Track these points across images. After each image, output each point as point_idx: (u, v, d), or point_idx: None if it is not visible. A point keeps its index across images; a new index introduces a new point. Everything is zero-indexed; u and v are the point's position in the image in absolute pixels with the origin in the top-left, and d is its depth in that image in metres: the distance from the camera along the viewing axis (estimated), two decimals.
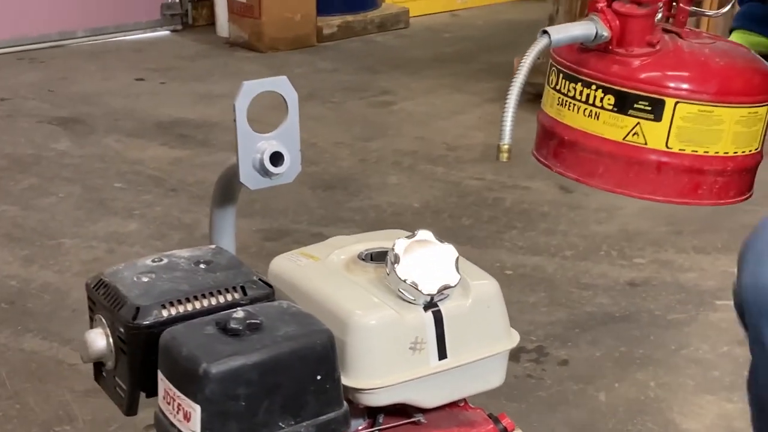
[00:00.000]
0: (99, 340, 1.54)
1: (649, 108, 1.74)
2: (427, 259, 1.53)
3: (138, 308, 1.50)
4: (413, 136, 4.95)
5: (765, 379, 1.80)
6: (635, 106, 1.75)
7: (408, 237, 1.55)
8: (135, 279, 1.56)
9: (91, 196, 4.21)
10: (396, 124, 5.13)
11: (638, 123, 1.76)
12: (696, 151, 1.77)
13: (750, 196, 1.92)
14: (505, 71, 5.76)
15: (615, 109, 1.77)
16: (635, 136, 1.77)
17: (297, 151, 1.53)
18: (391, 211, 4.11)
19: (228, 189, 1.68)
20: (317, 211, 4.08)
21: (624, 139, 1.77)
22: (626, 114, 1.76)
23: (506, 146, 1.71)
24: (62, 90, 5.55)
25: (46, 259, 3.69)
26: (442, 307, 1.55)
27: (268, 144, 1.52)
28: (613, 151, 1.79)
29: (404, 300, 1.54)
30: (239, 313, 1.46)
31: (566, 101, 1.84)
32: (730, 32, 2.20)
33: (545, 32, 1.74)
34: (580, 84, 1.81)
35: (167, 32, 6.67)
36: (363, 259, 1.63)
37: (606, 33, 1.75)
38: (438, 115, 5.24)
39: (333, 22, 6.53)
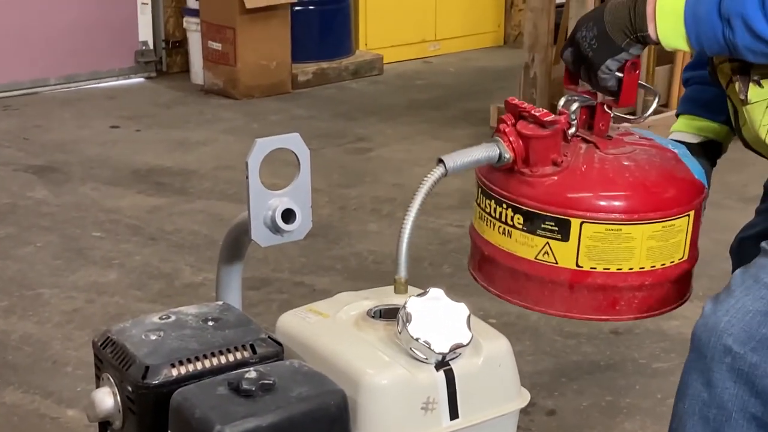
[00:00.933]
0: (106, 399, 1.53)
1: (556, 228, 1.74)
2: (439, 318, 1.53)
3: (147, 367, 1.49)
4: (391, 183, 4.95)
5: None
6: (543, 226, 1.75)
7: (419, 295, 1.54)
8: (143, 337, 1.54)
9: (69, 245, 4.18)
10: (373, 171, 5.13)
11: (547, 243, 1.75)
12: (608, 269, 1.75)
13: (685, 301, 1.89)
14: (479, 118, 5.79)
15: (524, 228, 1.76)
16: (546, 255, 1.76)
17: (308, 208, 1.53)
18: (372, 259, 4.10)
19: (236, 245, 1.67)
20: (298, 260, 4.06)
21: (536, 257, 1.77)
22: (535, 234, 1.75)
23: (403, 279, 1.67)
24: (37, 138, 5.52)
25: (25, 309, 3.64)
26: (454, 366, 1.54)
27: (279, 201, 1.51)
28: (527, 269, 1.78)
29: (416, 359, 1.53)
30: (252, 373, 1.45)
31: (485, 216, 1.84)
32: (677, 117, 2.20)
33: (440, 160, 1.74)
34: (493, 201, 1.81)
35: (141, 79, 6.65)
36: (372, 317, 1.62)
37: (508, 155, 1.75)
38: (415, 161, 5.24)
39: (308, 69, 6.54)
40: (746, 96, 1.82)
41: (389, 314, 1.62)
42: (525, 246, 1.77)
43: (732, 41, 1.71)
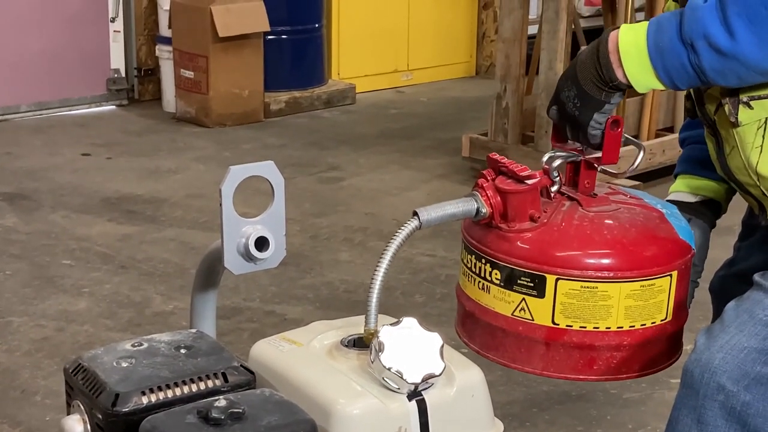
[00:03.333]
0: (76, 427, 1.52)
1: (532, 284, 1.72)
2: (412, 347, 1.52)
3: (117, 395, 1.48)
4: (363, 212, 4.95)
5: None
6: (519, 281, 1.73)
7: (393, 324, 1.53)
8: (114, 364, 1.54)
9: (39, 273, 4.15)
10: (345, 200, 5.13)
11: (523, 299, 1.74)
12: (584, 327, 1.73)
13: (672, 362, 1.86)
14: (452, 148, 5.80)
15: (501, 284, 1.75)
16: (522, 311, 1.74)
17: (282, 236, 1.52)
18: (343, 288, 4.09)
19: (210, 273, 1.66)
20: (269, 289, 4.05)
21: (513, 314, 1.75)
22: (512, 290, 1.74)
23: (372, 330, 1.65)
24: (7, 165, 5.49)
25: None
26: (427, 396, 1.53)
27: (253, 228, 1.51)
28: (504, 326, 1.77)
29: (388, 389, 1.52)
30: (221, 401, 1.44)
31: (467, 272, 1.83)
32: (675, 177, 2.18)
33: (415, 213, 1.72)
34: (473, 256, 1.80)
35: (113, 107, 6.63)
36: (346, 346, 1.61)
37: (485, 210, 1.74)
38: (387, 191, 5.24)
39: (280, 98, 6.54)
40: (737, 118, 1.80)
41: (363, 343, 1.61)
42: (502, 302, 1.76)
43: (699, 65, 1.69)
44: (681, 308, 1.83)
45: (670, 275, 1.76)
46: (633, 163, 1.89)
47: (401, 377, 1.50)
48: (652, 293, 1.75)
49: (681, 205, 2.00)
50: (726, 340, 1.72)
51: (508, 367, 1.81)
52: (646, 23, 1.74)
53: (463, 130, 5.78)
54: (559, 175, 1.80)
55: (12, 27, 6.21)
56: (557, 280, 1.71)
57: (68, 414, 1.53)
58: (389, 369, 1.50)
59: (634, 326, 1.75)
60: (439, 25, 7.60)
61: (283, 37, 6.57)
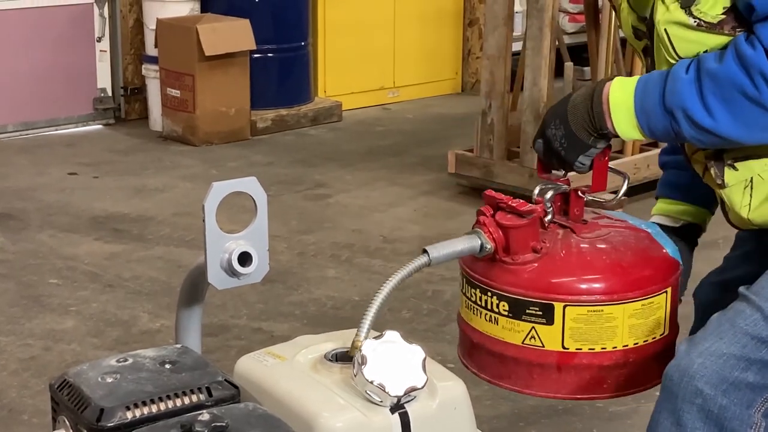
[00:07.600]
0: None
1: (540, 313, 1.81)
2: (394, 361, 1.54)
3: (102, 410, 1.50)
4: (350, 228, 4.96)
5: None
6: (527, 311, 1.81)
7: (375, 338, 1.55)
8: (99, 379, 1.55)
9: (26, 292, 4.15)
10: (332, 216, 5.14)
11: (533, 327, 1.82)
12: (593, 349, 1.82)
13: None
14: (438, 164, 5.82)
15: (510, 314, 1.83)
16: (532, 339, 1.82)
17: (265, 251, 1.54)
18: (330, 304, 4.10)
19: (195, 288, 1.67)
20: (256, 306, 4.06)
21: (523, 342, 1.83)
22: (521, 319, 1.82)
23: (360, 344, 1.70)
24: None
25: None
26: (409, 408, 1.55)
27: (236, 244, 1.52)
28: (515, 354, 1.85)
29: (371, 402, 1.54)
30: (205, 415, 1.46)
31: (471, 305, 1.91)
32: (656, 199, 2.26)
33: (425, 251, 1.79)
34: (478, 290, 1.87)
35: (100, 126, 6.64)
36: (330, 360, 1.63)
37: (489, 246, 1.81)
38: (374, 207, 5.26)
39: (267, 116, 6.56)
40: (723, 180, 1.90)
41: (346, 357, 1.63)
42: (512, 332, 1.83)
43: (679, 132, 1.79)
44: (675, 321, 1.93)
45: (666, 291, 1.86)
46: (619, 193, 1.98)
47: (384, 390, 1.52)
48: (652, 310, 1.84)
49: (664, 229, 2.07)
50: (706, 346, 1.78)
51: (521, 393, 1.89)
52: (635, 80, 1.83)
53: (449, 147, 5.80)
54: (551, 206, 1.87)
55: None
56: (565, 307, 1.79)
57: (54, 429, 1.54)
58: (372, 382, 1.52)
59: (638, 343, 1.85)
60: (424, 42, 7.63)
61: (270, 55, 6.59)
